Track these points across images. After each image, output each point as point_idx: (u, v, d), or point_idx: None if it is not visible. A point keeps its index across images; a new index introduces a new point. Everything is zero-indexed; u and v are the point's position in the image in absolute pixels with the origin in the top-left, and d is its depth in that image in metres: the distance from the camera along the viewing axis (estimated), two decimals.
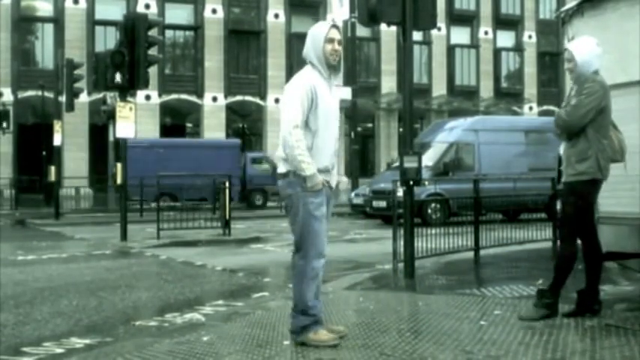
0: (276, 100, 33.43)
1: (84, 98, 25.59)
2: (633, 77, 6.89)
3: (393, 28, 10.03)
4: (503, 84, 39.32)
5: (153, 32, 14.13)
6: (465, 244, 9.74)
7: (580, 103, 5.08)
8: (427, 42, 36.06)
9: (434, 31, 31.74)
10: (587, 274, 5.28)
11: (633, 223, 7.02)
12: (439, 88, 36.70)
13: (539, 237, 10.81)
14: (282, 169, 4.54)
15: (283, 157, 4.49)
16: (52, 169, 22.18)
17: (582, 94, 5.09)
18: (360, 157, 29.31)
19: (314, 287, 4.57)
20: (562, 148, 5.35)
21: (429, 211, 16.34)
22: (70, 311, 6.68)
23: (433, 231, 9.35)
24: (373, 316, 5.55)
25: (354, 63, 27.10)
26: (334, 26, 4.68)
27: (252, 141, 34.42)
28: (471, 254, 9.61)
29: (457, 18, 37.63)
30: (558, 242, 5.49)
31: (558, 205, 7.06)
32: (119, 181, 14.20)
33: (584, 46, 5.24)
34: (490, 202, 11.58)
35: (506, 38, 39.85)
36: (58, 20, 31.01)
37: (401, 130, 18.15)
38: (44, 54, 31.28)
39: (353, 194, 21.62)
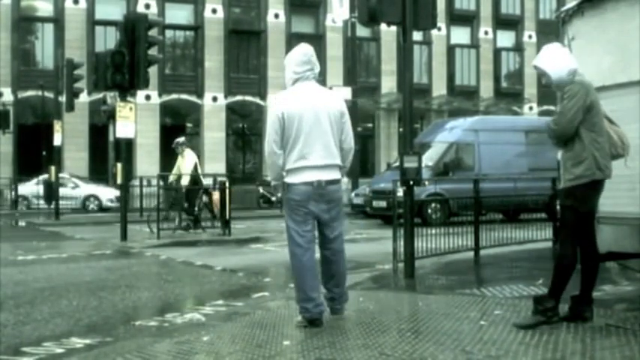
0: None
1: (84, 98, 25.56)
2: (633, 77, 6.89)
3: (393, 28, 10.03)
4: (503, 84, 39.27)
5: (153, 32, 14.13)
6: (465, 244, 9.75)
7: (564, 108, 4.99)
8: (427, 42, 36.02)
9: (434, 31, 31.69)
10: (582, 280, 5.12)
11: (633, 223, 7.02)
12: (439, 88, 36.67)
13: (539, 237, 10.81)
14: (338, 175, 5.31)
15: (341, 165, 5.32)
16: (52, 169, 22.18)
17: (564, 98, 5.02)
18: (360, 157, 29.29)
19: None
20: (560, 153, 5.25)
21: (429, 211, 16.34)
22: (70, 311, 6.67)
23: (433, 231, 9.36)
24: (373, 316, 5.55)
25: (354, 63, 27.11)
26: None
27: (252, 141, 34.41)
28: (471, 254, 9.61)
29: (457, 18, 37.59)
30: (557, 246, 5.24)
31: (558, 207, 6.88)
32: (119, 180, 14.21)
33: (549, 56, 5.15)
34: (490, 202, 11.58)
35: (506, 38, 39.81)
36: (58, 20, 30.97)
37: (401, 130, 18.13)
38: (44, 54, 31.22)
39: (353, 194, 21.62)
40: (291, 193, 5.18)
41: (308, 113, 5.13)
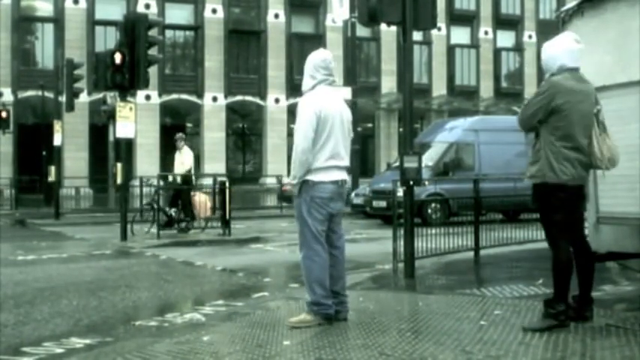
0: (276, 100, 33.40)
1: (84, 98, 25.54)
2: (633, 77, 6.87)
3: (393, 28, 10.03)
4: (503, 84, 39.27)
5: (153, 32, 14.12)
6: (465, 244, 9.74)
7: (529, 102, 5.03)
8: (427, 42, 36.02)
9: (434, 31, 31.65)
10: (579, 280, 5.04)
11: (633, 223, 7.01)
12: (439, 88, 36.67)
13: (539, 237, 10.78)
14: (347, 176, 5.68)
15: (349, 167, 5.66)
16: (52, 169, 22.15)
17: (535, 93, 5.03)
18: (360, 157, 29.29)
19: None
20: None
21: (429, 211, 16.32)
22: (70, 311, 6.68)
23: (433, 231, 9.35)
24: (373, 316, 5.55)
25: (354, 63, 27.10)
26: None
27: (252, 141, 34.42)
28: (471, 254, 9.61)
29: (457, 18, 37.58)
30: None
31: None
32: (119, 180, 14.20)
33: (553, 41, 5.10)
34: (490, 202, 11.57)
35: (506, 38, 39.81)
36: (58, 20, 30.97)
37: (401, 130, 18.11)
38: (44, 54, 31.21)
39: (353, 194, 21.61)
40: (318, 192, 5.29)
41: (336, 115, 5.39)
